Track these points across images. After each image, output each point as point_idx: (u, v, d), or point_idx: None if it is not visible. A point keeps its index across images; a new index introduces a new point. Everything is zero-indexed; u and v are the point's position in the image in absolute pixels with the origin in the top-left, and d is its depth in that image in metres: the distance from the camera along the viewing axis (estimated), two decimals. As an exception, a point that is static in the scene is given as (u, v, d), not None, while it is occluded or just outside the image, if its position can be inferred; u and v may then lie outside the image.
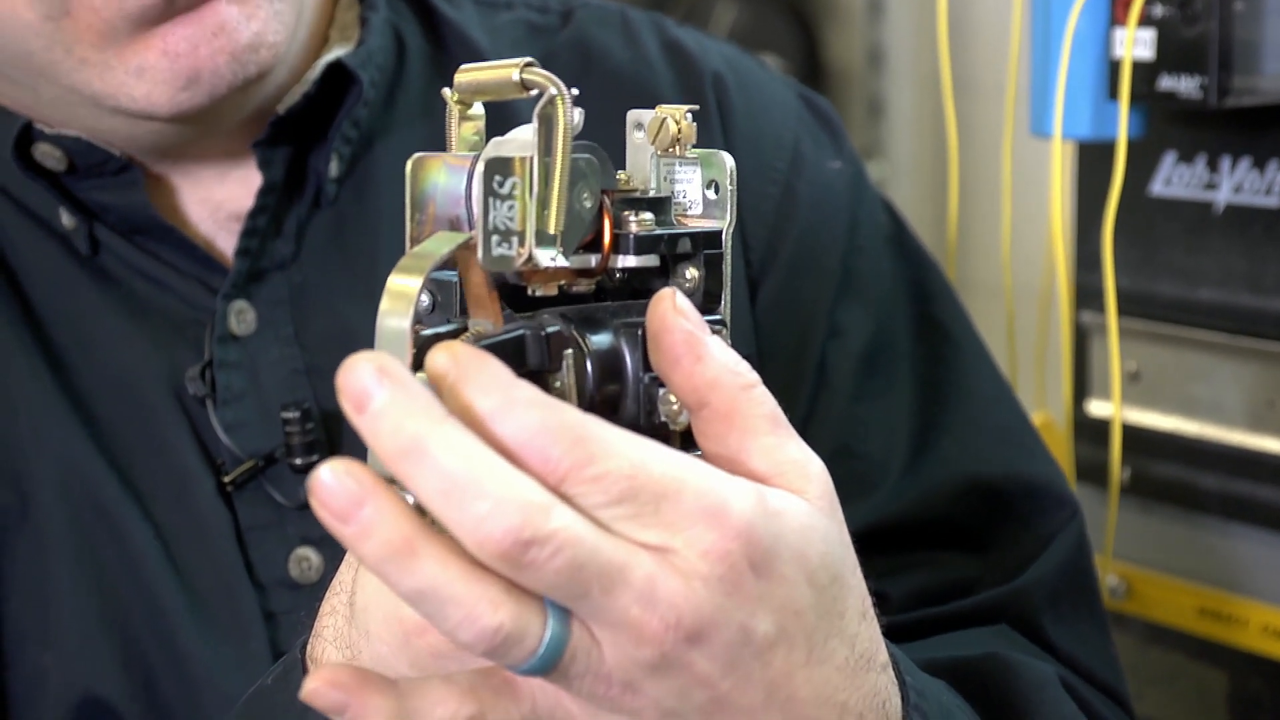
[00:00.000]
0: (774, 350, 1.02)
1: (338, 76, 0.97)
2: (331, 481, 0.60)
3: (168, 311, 0.96)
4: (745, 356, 1.02)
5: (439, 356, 0.63)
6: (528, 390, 0.62)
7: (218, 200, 0.98)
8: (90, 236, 0.96)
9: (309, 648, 0.75)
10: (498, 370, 0.62)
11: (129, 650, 0.91)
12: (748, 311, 1.03)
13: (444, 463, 0.60)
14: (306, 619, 0.76)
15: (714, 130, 1.05)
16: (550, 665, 0.63)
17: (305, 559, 0.94)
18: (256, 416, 0.95)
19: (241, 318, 0.96)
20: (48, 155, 0.94)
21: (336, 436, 0.95)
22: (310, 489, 0.61)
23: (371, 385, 0.60)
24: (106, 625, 0.91)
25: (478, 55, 1.03)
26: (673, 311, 0.67)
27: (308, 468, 0.94)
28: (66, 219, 0.96)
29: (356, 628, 0.71)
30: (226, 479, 0.94)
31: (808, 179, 1.05)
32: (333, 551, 0.93)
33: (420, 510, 0.62)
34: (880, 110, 2.59)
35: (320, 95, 0.96)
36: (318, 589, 0.92)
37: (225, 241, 0.98)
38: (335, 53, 0.98)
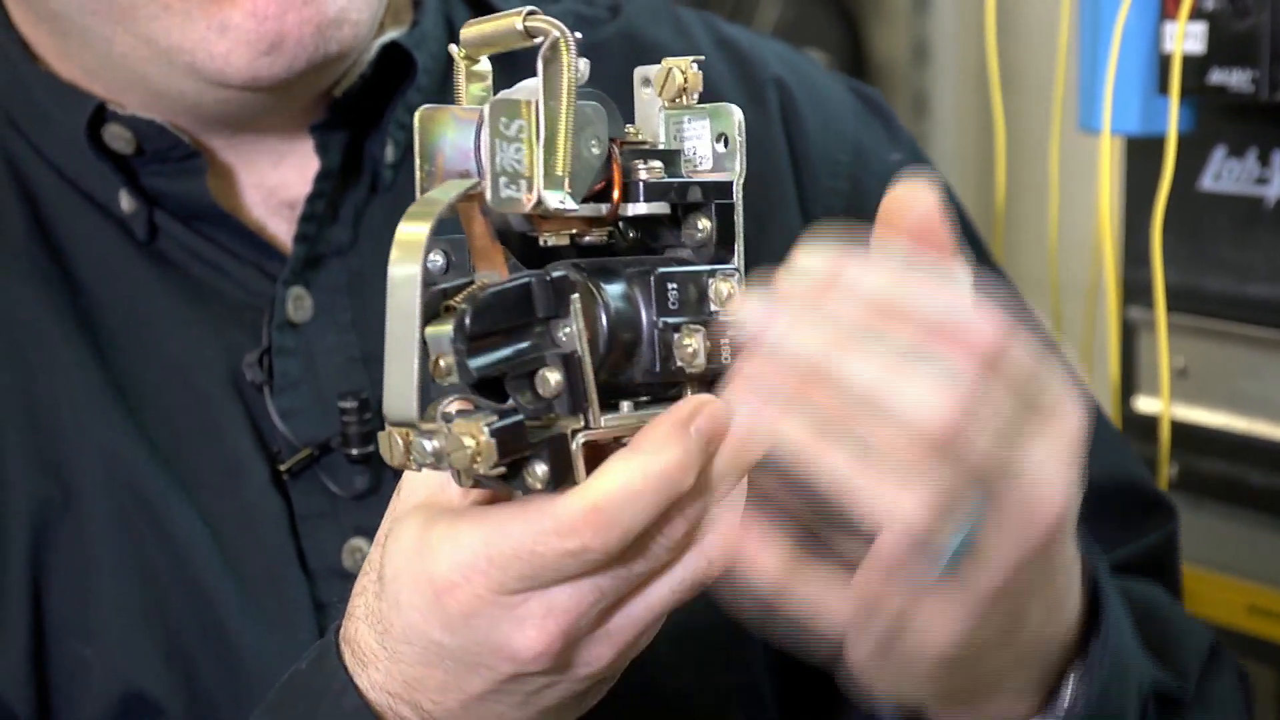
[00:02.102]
0: None
1: (393, 59, 0.97)
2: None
3: (225, 297, 0.96)
4: None
5: (804, 257, 0.67)
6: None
7: (270, 185, 0.98)
8: (149, 222, 0.96)
9: (342, 629, 0.75)
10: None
11: (171, 643, 0.91)
12: None
13: (893, 339, 0.64)
14: (340, 604, 0.76)
15: (776, 135, 1.05)
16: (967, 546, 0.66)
17: (359, 549, 0.94)
18: (312, 404, 0.95)
19: (299, 304, 0.96)
20: (116, 137, 0.95)
21: None
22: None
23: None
24: (149, 618, 0.92)
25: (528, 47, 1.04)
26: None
27: (364, 458, 0.94)
28: (126, 202, 0.96)
29: (386, 600, 0.71)
30: (282, 467, 0.94)
31: (872, 173, 1.05)
32: (386, 542, 0.94)
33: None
34: (925, 106, 2.57)
35: (376, 79, 0.97)
36: (372, 579, 0.92)
37: (277, 227, 0.98)
38: (390, 34, 0.98)
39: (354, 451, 0.94)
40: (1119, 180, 1.28)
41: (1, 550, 0.91)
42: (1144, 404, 1.29)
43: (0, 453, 0.93)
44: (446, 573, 0.68)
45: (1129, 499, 1.01)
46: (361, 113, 0.97)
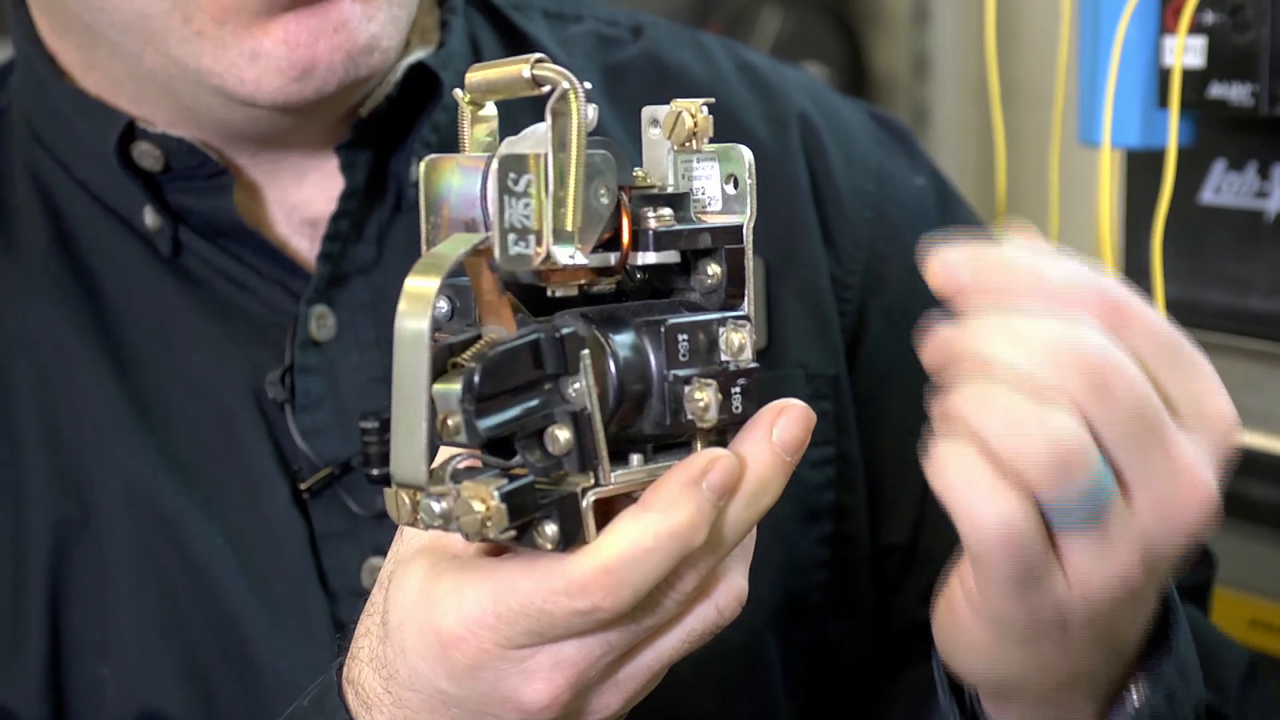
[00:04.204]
0: (892, 371, 1.01)
1: (419, 79, 0.97)
2: None
3: (249, 314, 0.96)
4: (830, 376, 1.02)
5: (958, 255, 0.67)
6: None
7: (292, 203, 0.98)
8: (174, 238, 0.96)
9: (345, 669, 0.75)
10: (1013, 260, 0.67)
11: (190, 662, 0.91)
12: (836, 330, 1.03)
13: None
14: (342, 641, 0.76)
15: (799, 169, 1.05)
16: (1103, 504, 0.65)
17: (378, 569, 0.93)
18: (334, 423, 0.95)
19: (322, 322, 0.96)
20: (146, 155, 0.95)
21: None
22: None
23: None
24: (167, 637, 0.91)
25: None
26: None
27: (385, 478, 0.94)
28: (150, 219, 0.96)
29: (391, 646, 0.71)
30: (303, 486, 0.94)
31: (897, 201, 1.06)
32: (404, 564, 0.94)
33: None
34: (926, 118, 2.58)
35: (402, 98, 0.97)
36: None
37: (299, 244, 0.98)
38: (416, 55, 0.98)
39: (374, 471, 0.94)
40: (1119, 193, 1.28)
41: (21, 568, 0.92)
42: (1145, 417, 1.28)
43: (21, 471, 0.93)
44: (453, 626, 0.68)
45: None
46: (387, 132, 0.97)
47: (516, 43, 1.06)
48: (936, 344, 0.68)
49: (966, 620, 0.70)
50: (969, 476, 0.65)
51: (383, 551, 0.94)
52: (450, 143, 0.99)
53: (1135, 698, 0.76)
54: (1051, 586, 0.67)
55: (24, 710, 0.90)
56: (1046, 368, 0.64)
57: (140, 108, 0.95)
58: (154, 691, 0.91)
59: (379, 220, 0.98)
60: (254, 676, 0.91)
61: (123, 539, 0.92)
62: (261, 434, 0.94)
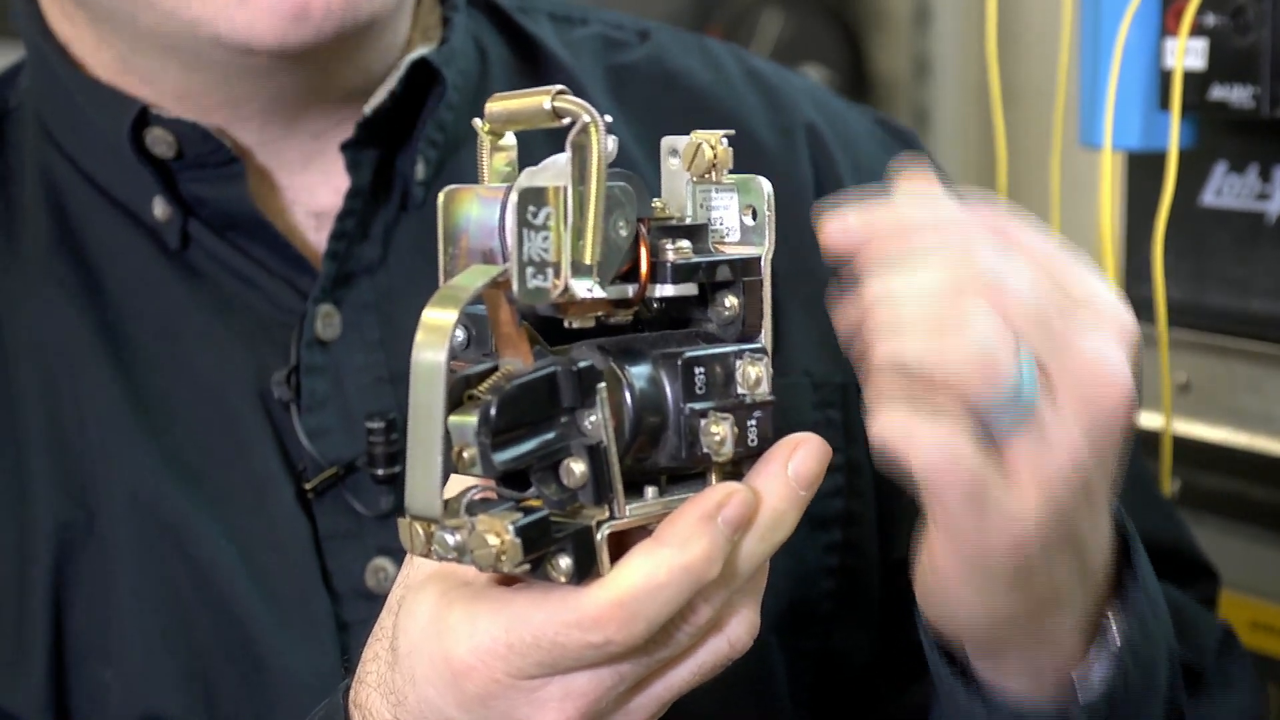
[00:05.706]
0: None
1: (422, 75, 0.97)
2: None
3: (255, 311, 0.96)
4: (838, 384, 1.02)
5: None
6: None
7: (299, 192, 0.98)
8: (182, 230, 0.96)
9: (352, 693, 0.75)
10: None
11: (193, 665, 0.91)
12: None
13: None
14: (363, 625, 0.76)
15: (806, 176, 1.05)
16: (1030, 399, 0.68)
17: (382, 570, 0.94)
18: (339, 423, 0.95)
19: (328, 322, 0.96)
20: (159, 141, 0.95)
21: None
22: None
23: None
24: (171, 640, 0.91)
25: (558, 67, 1.04)
26: None
27: (390, 478, 0.94)
28: (160, 210, 0.96)
29: (401, 673, 0.71)
30: (307, 486, 0.94)
31: None
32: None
33: None
34: (926, 120, 2.58)
35: (406, 96, 0.97)
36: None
37: (306, 239, 0.98)
38: (419, 51, 0.98)
39: (379, 472, 0.94)
40: (1120, 195, 1.28)
41: (25, 572, 0.92)
42: (1146, 419, 1.28)
43: (26, 474, 0.93)
44: (464, 655, 0.68)
45: (1174, 562, 1.00)
46: (392, 130, 0.97)
47: (522, 45, 1.06)
48: (847, 306, 0.71)
49: (946, 566, 0.72)
50: (902, 425, 0.68)
51: (387, 552, 0.94)
52: (454, 141, 1.00)
53: (1114, 626, 0.78)
54: (1004, 498, 0.69)
55: (28, 715, 0.90)
56: (950, 287, 0.67)
57: (149, 84, 0.95)
58: (157, 695, 0.90)
59: (385, 219, 0.98)
60: (258, 678, 0.91)
61: (127, 542, 0.92)
62: (266, 434, 0.94)
